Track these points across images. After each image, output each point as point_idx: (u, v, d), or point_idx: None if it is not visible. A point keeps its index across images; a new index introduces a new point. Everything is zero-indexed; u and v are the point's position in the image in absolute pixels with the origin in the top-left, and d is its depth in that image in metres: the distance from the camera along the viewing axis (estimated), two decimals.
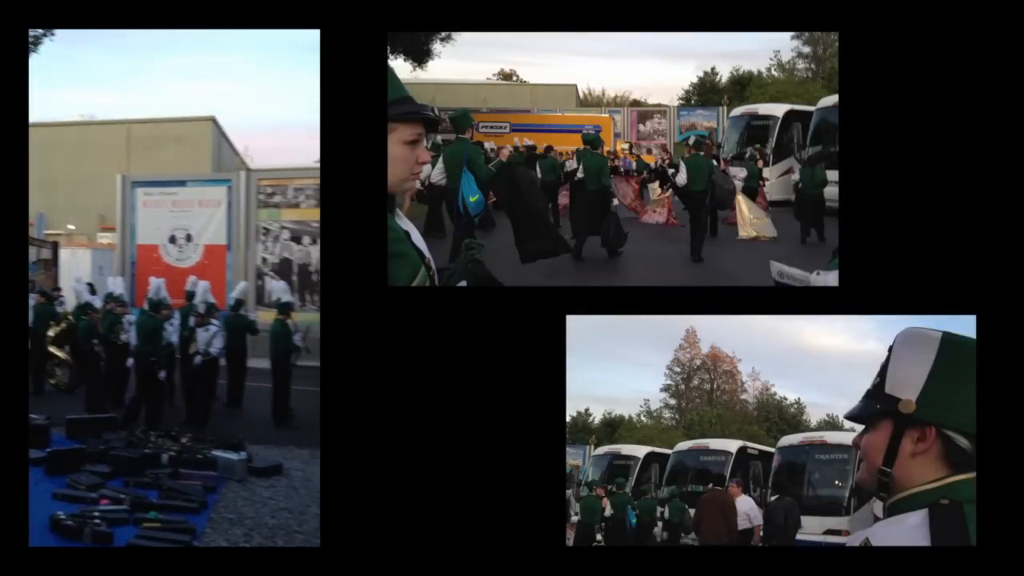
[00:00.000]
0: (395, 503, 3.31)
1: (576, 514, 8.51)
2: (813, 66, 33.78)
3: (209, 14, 3.63)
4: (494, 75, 38.87)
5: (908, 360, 1.66)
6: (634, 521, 8.49)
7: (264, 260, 14.88)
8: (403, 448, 3.33)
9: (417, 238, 2.29)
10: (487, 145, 15.96)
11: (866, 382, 1.75)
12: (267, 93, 51.47)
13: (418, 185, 10.35)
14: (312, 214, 15.02)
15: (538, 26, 3.65)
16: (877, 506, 1.72)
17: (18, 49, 3.64)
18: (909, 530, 1.60)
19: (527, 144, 19.46)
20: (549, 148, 17.33)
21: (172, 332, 9.59)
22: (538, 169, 13.52)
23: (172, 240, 15.14)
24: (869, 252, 3.44)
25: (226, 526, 5.97)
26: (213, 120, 17.44)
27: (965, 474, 1.62)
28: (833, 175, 12.01)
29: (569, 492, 8.77)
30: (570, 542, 7.36)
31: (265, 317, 11.56)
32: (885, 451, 1.65)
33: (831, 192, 11.71)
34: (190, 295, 10.36)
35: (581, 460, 10.47)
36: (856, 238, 3.46)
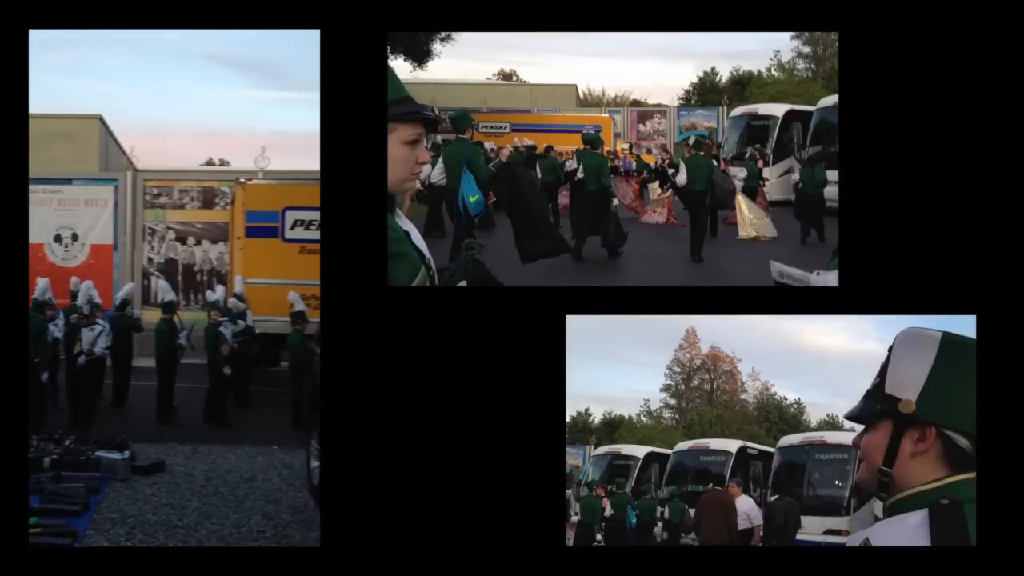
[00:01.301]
0: (395, 503, 3.31)
1: (576, 514, 8.51)
2: (813, 66, 33.77)
3: (209, 14, 3.63)
4: (494, 75, 38.86)
5: (908, 360, 1.67)
6: (634, 521, 8.49)
7: (150, 260, 15.13)
8: (403, 448, 3.33)
9: (417, 238, 2.30)
10: (487, 145, 15.96)
11: (866, 382, 1.75)
12: (152, 95, 51.36)
13: (418, 185, 10.35)
14: (197, 215, 15.24)
15: (538, 26, 3.65)
16: (877, 506, 1.72)
17: (18, 49, 3.64)
18: (909, 530, 1.61)
19: (527, 144, 19.46)
20: (549, 148, 17.33)
21: (56, 331, 9.79)
22: (538, 169, 13.53)
23: (58, 239, 15.07)
24: (869, 252, 3.44)
25: (108, 526, 6.08)
26: (100, 119, 17.49)
27: (965, 474, 1.62)
28: (833, 175, 12.02)
29: (569, 492, 8.77)
30: (570, 542, 7.36)
31: (151, 317, 11.74)
32: (885, 451, 1.65)
33: (831, 192, 11.71)
34: (74, 295, 10.56)
35: (581, 460, 10.46)
36: (856, 238, 3.46)
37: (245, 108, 51.57)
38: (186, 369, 10.42)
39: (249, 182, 13.17)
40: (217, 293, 11.84)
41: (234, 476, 7.72)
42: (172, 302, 10.66)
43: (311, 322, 9.92)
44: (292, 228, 12.47)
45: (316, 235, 12.46)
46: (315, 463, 6.87)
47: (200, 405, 10.07)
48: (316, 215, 12.41)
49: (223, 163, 25.97)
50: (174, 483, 7.33)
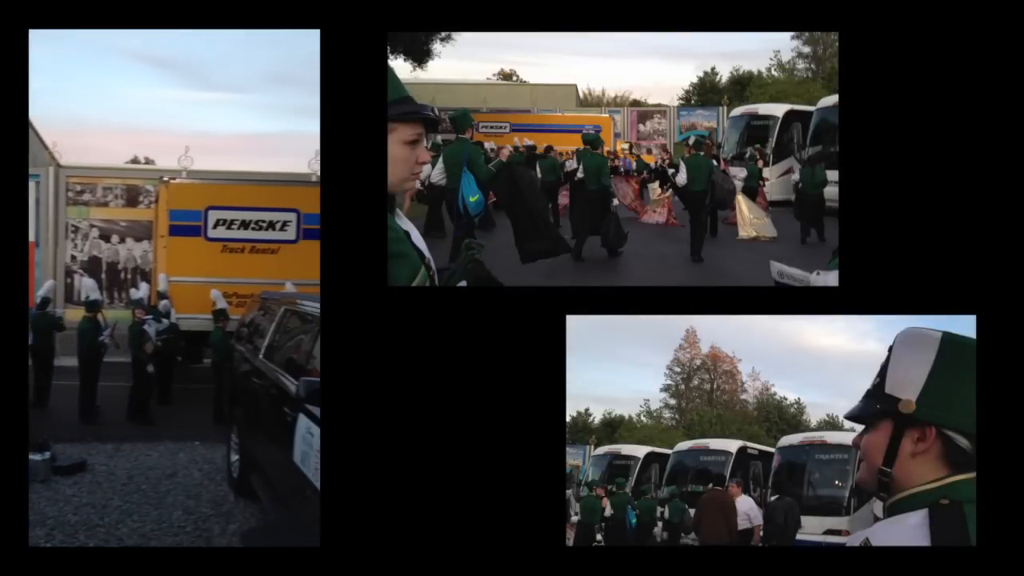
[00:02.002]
0: (395, 503, 3.31)
1: (576, 514, 8.51)
2: (813, 66, 33.79)
3: (208, 14, 3.63)
4: (494, 75, 38.90)
5: (908, 360, 1.67)
6: (634, 521, 8.49)
7: (73, 258, 15.07)
8: (403, 448, 3.33)
9: (417, 238, 2.30)
10: (487, 145, 15.97)
11: (866, 382, 1.75)
12: (76, 91, 50.96)
13: (418, 185, 10.37)
14: (121, 213, 15.22)
15: (538, 26, 3.64)
16: (877, 506, 1.72)
17: (18, 49, 3.64)
18: (909, 530, 1.61)
19: (527, 144, 19.47)
20: (549, 148, 17.34)
21: None
22: (538, 169, 13.54)
23: None
24: (869, 252, 3.44)
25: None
26: None
27: (965, 474, 1.62)
28: (833, 175, 12.03)
29: (569, 492, 8.77)
30: (570, 542, 7.36)
31: (73, 315, 11.76)
32: (885, 451, 1.65)
33: (831, 192, 11.72)
34: None
35: (581, 460, 10.46)
36: (856, 238, 3.46)
37: (170, 108, 51.67)
38: (109, 367, 10.44)
39: (173, 181, 13.28)
40: (141, 291, 11.91)
41: (156, 473, 7.75)
42: (96, 301, 10.65)
43: (232, 319, 10.02)
44: (215, 227, 12.64)
45: (238, 234, 12.69)
46: (235, 457, 6.94)
47: (123, 403, 10.07)
48: (238, 215, 12.62)
49: (148, 161, 25.77)
50: (96, 482, 7.32)
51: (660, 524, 8.53)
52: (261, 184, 13.54)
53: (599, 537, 8.44)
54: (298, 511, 4.51)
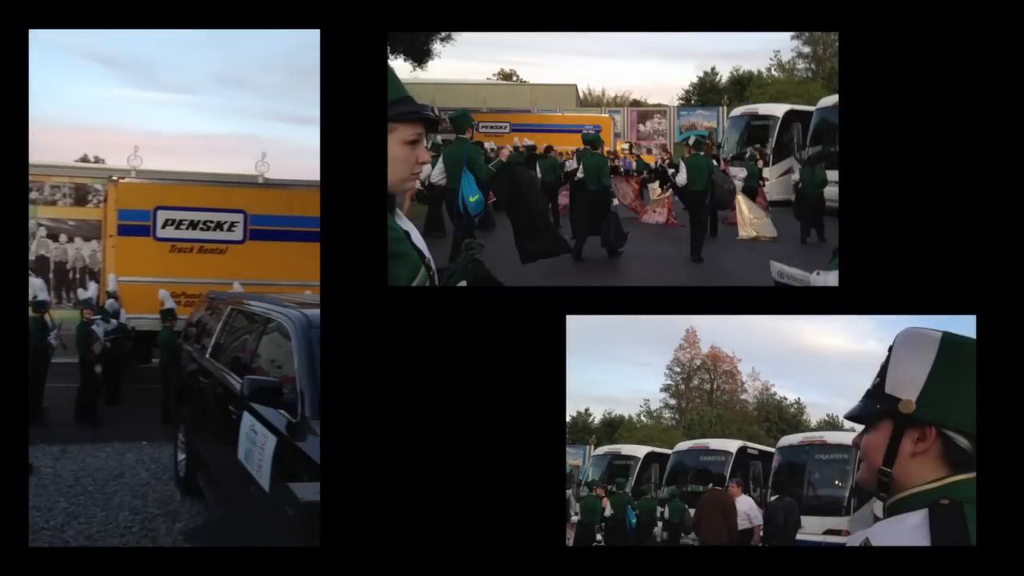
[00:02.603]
0: (395, 503, 3.31)
1: (576, 514, 8.51)
2: (813, 66, 33.80)
3: (208, 14, 3.63)
4: (494, 75, 38.90)
5: (908, 360, 1.67)
6: (634, 521, 8.49)
7: None
8: (403, 448, 3.33)
9: (417, 238, 2.30)
10: (487, 145, 15.97)
11: (866, 382, 1.75)
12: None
13: (418, 185, 10.37)
14: (69, 212, 15.09)
15: (538, 26, 3.64)
16: (877, 506, 1.72)
17: (18, 49, 3.63)
18: (909, 530, 1.61)
19: (527, 144, 19.48)
20: (549, 148, 17.34)
21: None
22: (538, 169, 13.54)
23: None
24: (869, 252, 3.43)
25: None
26: None
27: (965, 474, 1.62)
28: (833, 175, 12.03)
29: (569, 492, 8.77)
30: (570, 542, 7.36)
31: None
32: (885, 451, 1.65)
33: (831, 192, 11.72)
34: None
35: (581, 460, 10.46)
36: (856, 238, 3.46)
37: (120, 107, 51.47)
38: (56, 368, 10.39)
39: (122, 180, 13.25)
40: (90, 291, 11.86)
41: (103, 474, 7.72)
42: (44, 301, 10.59)
43: (180, 319, 10.03)
44: (163, 227, 12.66)
45: (186, 234, 12.73)
46: (182, 456, 6.94)
47: (70, 405, 10.03)
48: (187, 215, 12.65)
49: (98, 160, 25.52)
50: (41, 485, 7.27)
51: (660, 524, 8.53)
52: (209, 185, 13.53)
53: (599, 537, 8.44)
54: (242, 508, 4.50)
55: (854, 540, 1.71)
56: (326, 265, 3.38)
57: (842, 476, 8.04)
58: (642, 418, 13.46)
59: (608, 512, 8.55)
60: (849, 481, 7.86)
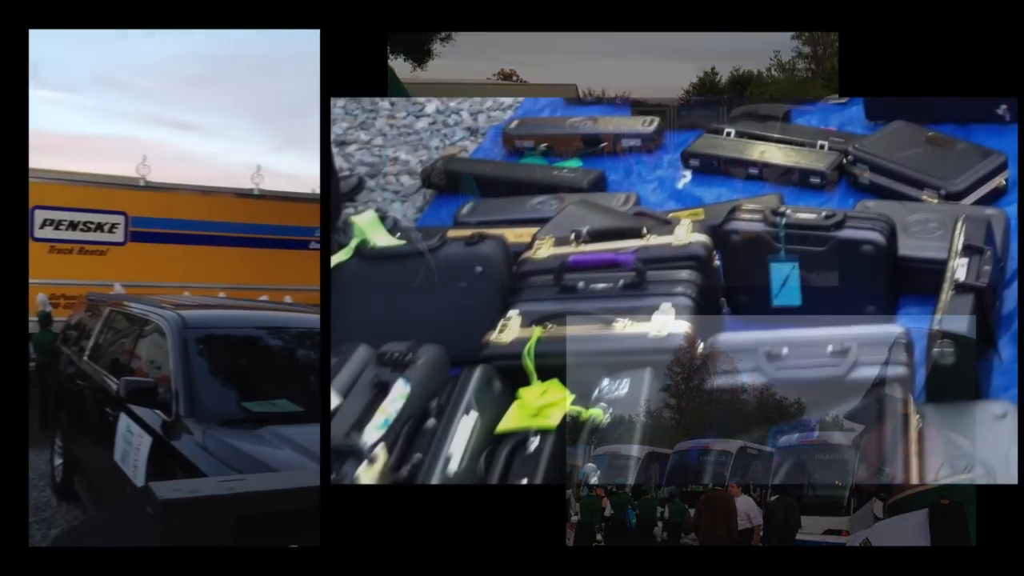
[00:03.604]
0: (395, 503, 3.31)
1: (576, 514, 8.50)
2: (813, 66, 33.77)
3: (208, 14, 3.63)
4: (494, 75, 38.88)
5: (907, 361, 1.67)
6: (634, 521, 8.47)
7: None
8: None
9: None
10: None
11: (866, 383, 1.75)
12: None
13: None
14: None
15: (538, 26, 3.64)
16: (877, 506, 1.72)
17: (18, 49, 3.63)
18: (909, 530, 1.61)
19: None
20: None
21: None
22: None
23: None
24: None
25: None
26: None
27: (965, 474, 1.62)
28: None
29: (569, 492, 8.76)
30: (570, 542, 7.35)
31: None
32: (885, 451, 1.65)
33: None
34: None
35: (581, 460, 10.44)
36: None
37: None
38: None
39: None
40: None
41: None
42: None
43: (58, 321, 9.79)
44: (42, 227, 12.38)
45: (66, 235, 12.41)
46: (58, 461, 6.83)
47: None
48: (66, 215, 12.37)
49: None
50: None
51: (660, 524, 8.52)
52: (89, 185, 13.40)
53: (599, 537, 8.43)
54: (108, 510, 4.47)
55: (854, 540, 1.71)
56: (326, 265, 3.38)
57: (842, 476, 8.02)
58: (642, 418, 13.44)
59: (608, 512, 8.53)
60: (849, 481, 7.84)
